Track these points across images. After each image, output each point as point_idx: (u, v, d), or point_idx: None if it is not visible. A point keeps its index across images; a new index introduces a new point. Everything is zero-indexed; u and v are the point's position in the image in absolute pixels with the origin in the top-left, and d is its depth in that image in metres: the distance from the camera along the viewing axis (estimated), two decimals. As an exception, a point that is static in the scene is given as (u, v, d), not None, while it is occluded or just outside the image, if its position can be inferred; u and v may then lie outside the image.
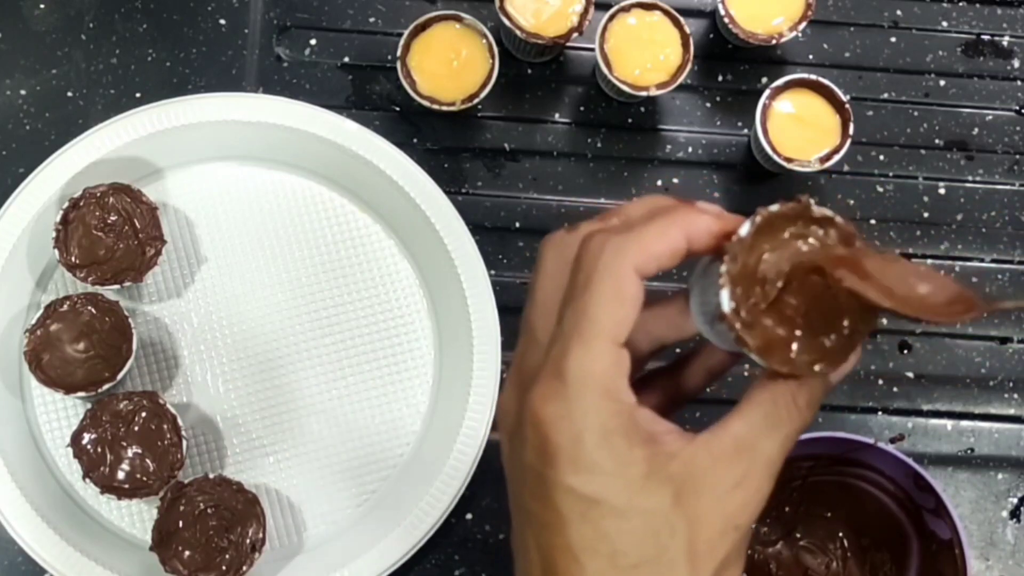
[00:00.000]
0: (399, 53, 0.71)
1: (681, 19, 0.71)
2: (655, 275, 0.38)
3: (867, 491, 0.66)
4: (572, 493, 0.36)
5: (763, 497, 0.38)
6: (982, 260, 0.76)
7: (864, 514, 0.67)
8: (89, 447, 0.65)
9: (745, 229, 0.37)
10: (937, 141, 0.77)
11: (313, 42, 0.76)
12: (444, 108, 0.71)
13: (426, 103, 0.71)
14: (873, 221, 0.76)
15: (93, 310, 0.66)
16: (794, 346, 0.38)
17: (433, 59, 0.71)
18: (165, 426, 0.65)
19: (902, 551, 0.66)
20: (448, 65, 0.71)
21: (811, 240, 0.39)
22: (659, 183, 0.75)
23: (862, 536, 0.68)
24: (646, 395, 0.41)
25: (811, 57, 0.77)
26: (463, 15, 0.71)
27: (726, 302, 0.37)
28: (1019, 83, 0.78)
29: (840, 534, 0.68)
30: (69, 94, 0.74)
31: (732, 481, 0.37)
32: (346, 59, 0.76)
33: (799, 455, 0.64)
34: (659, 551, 0.36)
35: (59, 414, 0.69)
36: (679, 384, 0.45)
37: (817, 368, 0.38)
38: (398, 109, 0.75)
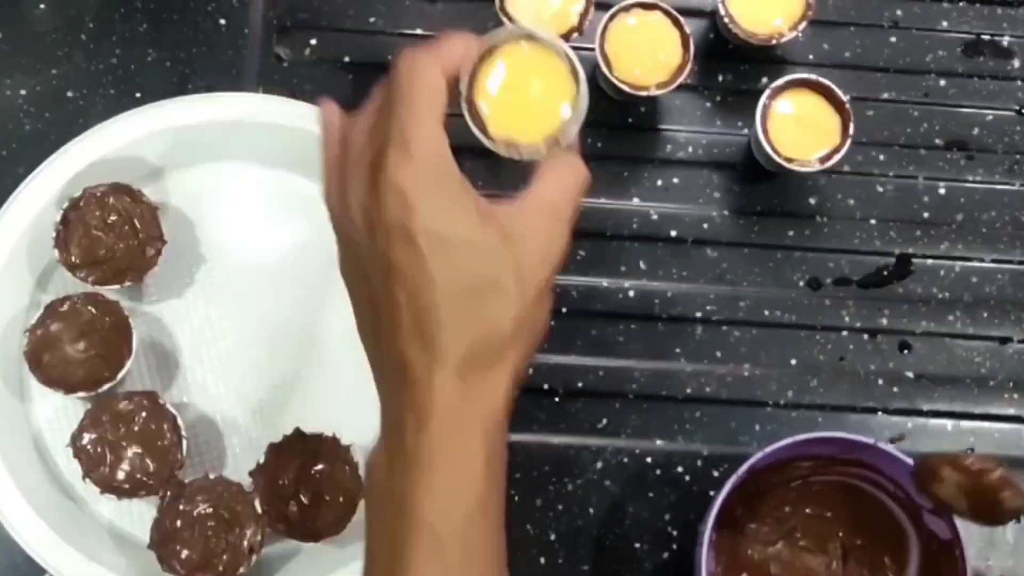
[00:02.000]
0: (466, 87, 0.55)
1: (681, 19, 0.71)
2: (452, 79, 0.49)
3: (867, 491, 0.66)
4: (430, 233, 0.46)
5: (566, 244, 0.49)
6: (982, 260, 0.76)
7: (864, 514, 0.67)
8: (89, 447, 0.65)
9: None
10: (937, 141, 0.77)
11: (313, 42, 0.76)
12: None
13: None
14: (873, 221, 0.76)
15: (93, 310, 0.66)
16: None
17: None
18: (165, 426, 0.65)
19: (902, 551, 0.66)
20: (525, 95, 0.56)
21: None
22: (659, 183, 0.75)
23: (862, 536, 0.68)
24: None
25: (811, 57, 0.77)
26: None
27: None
28: (1019, 83, 0.78)
29: (840, 534, 0.68)
30: (69, 94, 0.74)
31: (541, 228, 0.49)
32: (346, 59, 0.76)
33: (799, 455, 0.64)
34: (495, 273, 0.47)
35: (59, 414, 0.69)
36: None
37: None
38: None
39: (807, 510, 0.68)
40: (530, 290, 0.48)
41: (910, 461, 0.61)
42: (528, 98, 0.51)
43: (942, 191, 0.76)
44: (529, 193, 0.50)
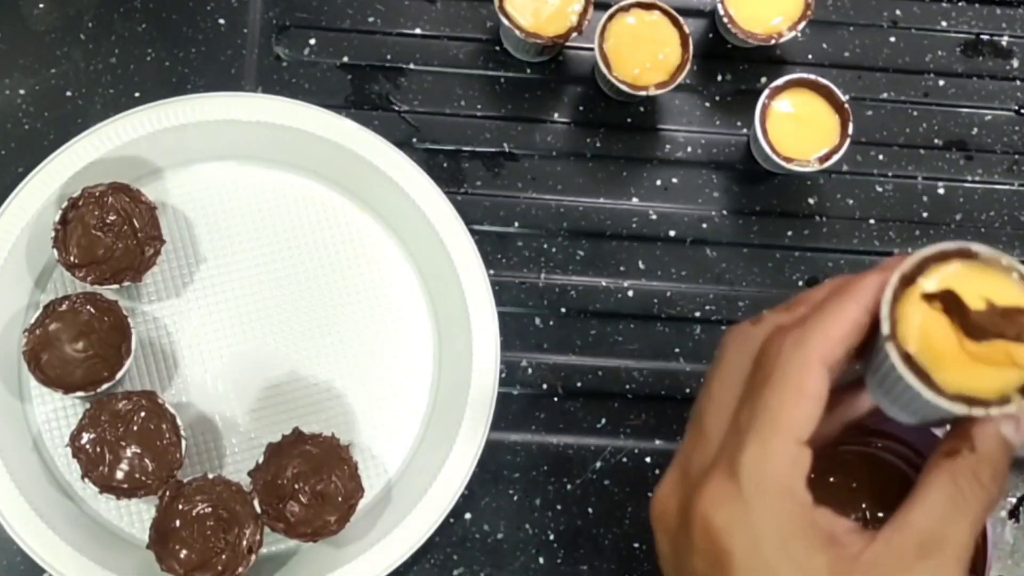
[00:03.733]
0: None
1: (680, 19, 0.71)
2: (847, 358, 0.37)
3: (894, 464, 0.65)
4: None
5: None
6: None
7: (889, 487, 0.66)
8: (88, 447, 0.65)
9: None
10: (936, 141, 0.77)
11: (312, 42, 0.76)
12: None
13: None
14: (872, 221, 0.76)
15: (92, 310, 0.66)
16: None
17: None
18: (164, 426, 0.65)
19: None
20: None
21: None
22: (658, 183, 0.75)
23: (885, 509, 0.67)
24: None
25: (810, 57, 0.77)
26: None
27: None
28: (1018, 83, 0.78)
29: (863, 505, 0.67)
30: (68, 93, 0.74)
31: None
32: (345, 59, 0.76)
33: None
34: None
35: (58, 414, 0.69)
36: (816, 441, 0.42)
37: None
38: (397, 109, 0.75)
39: (831, 479, 0.67)
40: None
41: (940, 434, 0.60)
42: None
43: (941, 191, 0.76)
44: (905, 520, 0.36)
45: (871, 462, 0.66)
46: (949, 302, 0.36)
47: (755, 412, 0.36)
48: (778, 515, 0.35)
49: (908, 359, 0.36)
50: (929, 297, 0.36)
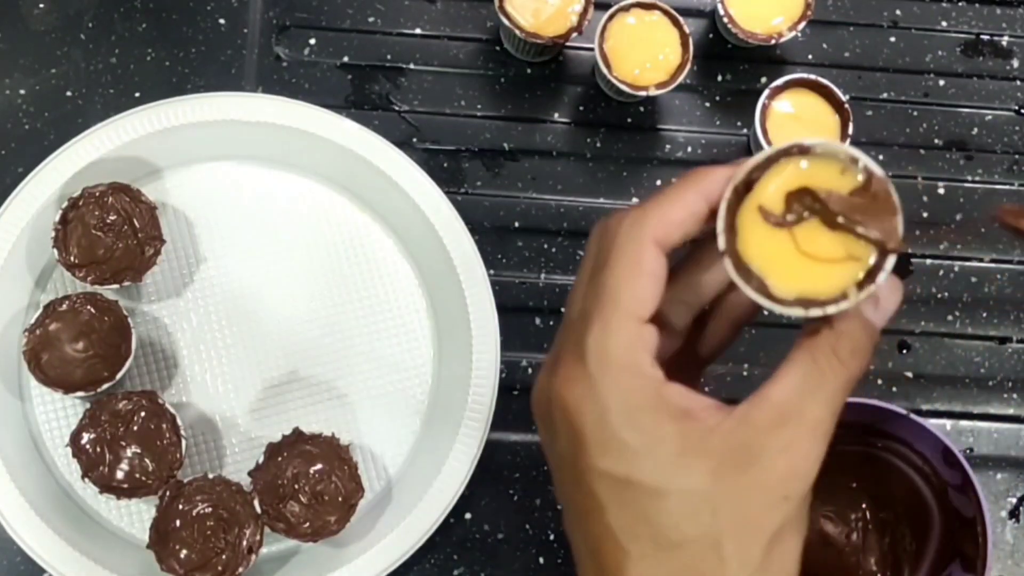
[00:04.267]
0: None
1: (680, 19, 0.71)
2: (681, 243, 0.37)
3: (894, 464, 0.66)
4: (605, 477, 0.35)
5: (814, 461, 0.35)
6: (981, 260, 0.76)
7: (889, 487, 0.66)
8: (88, 447, 0.65)
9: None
10: (936, 141, 0.77)
11: (312, 42, 0.76)
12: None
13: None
14: (872, 221, 0.76)
15: (92, 310, 0.66)
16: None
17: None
18: (164, 426, 0.65)
19: (924, 527, 0.65)
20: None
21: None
22: (658, 183, 0.75)
23: (885, 509, 0.67)
24: (676, 367, 0.39)
25: (810, 57, 0.77)
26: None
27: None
28: (1018, 83, 0.78)
29: (863, 505, 0.67)
30: (68, 93, 0.74)
31: (776, 449, 0.35)
32: (345, 59, 0.76)
33: None
34: (702, 529, 0.34)
35: (58, 414, 0.69)
36: (702, 344, 0.43)
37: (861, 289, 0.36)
38: (397, 109, 0.75)
39: (832, 478, 0.67)
40: (755, 549, 0.35)
41: (942, 436, 0.60)
42: (820, 235, 0.37)
43: (941, 191, 0.76)
44: (763, 395, 0.36)
45: (871, 462, 0.66)
46: (800, 198, 0.37)
47: (596, 293, 0.37)
48: (623, 389, 0.35)
49: (744, 270, 0.36)
50: (766, 210, 0.37)
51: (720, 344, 0.43)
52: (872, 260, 0.36)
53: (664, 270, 0.37)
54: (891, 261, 0.36)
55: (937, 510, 0.65)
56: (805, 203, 0.37)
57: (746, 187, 0.37)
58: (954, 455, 0.60)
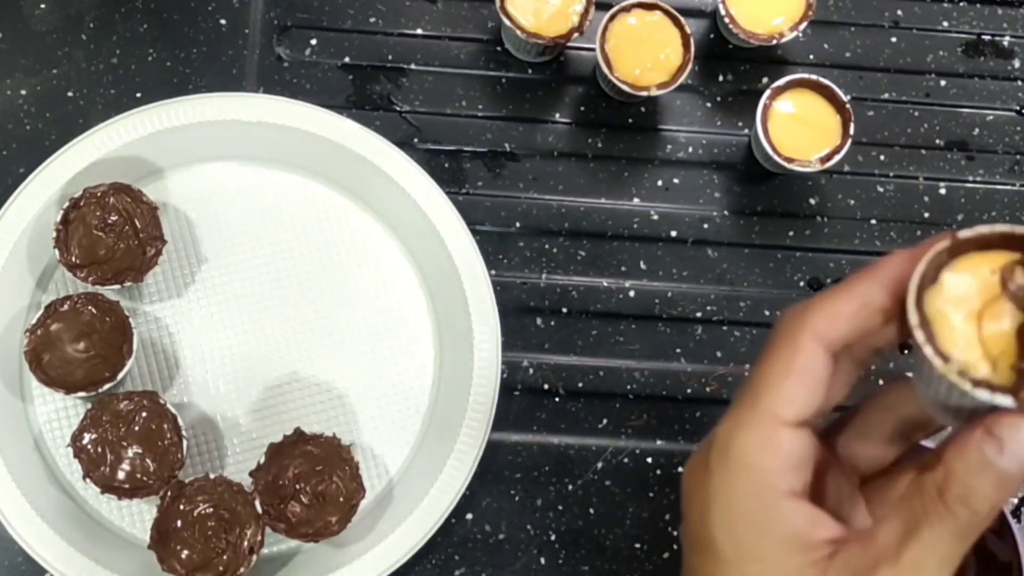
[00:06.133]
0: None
1: (682, 19, 0.71)
2: (852, 340, 0.33)
3: None
4: (692, 570, 0.34)
5: None
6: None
7: None
8: (89, 447, 0.65)
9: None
10: (938, 141, 0.77)
11: (313, 42, 0.76)
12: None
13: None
14: (873, 221, 0.76)
15: (93, 310, 0.66)
16: None
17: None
18: (165, 426, 0.65)
19: (958, 570, 0.65)
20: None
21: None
22: (659, 183, 0.75)
23: None
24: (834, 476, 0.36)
25: (812, 57, 0.77)
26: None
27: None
28: (1020, 83, 0.78)
29: None
30: (69, 94, 0.74)
31: None
32: (346, 59, 0.76)
33: None
34: None
35: (59, 414, 0.69)
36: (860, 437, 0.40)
37: None
38: (398, 109, 0.75)
39: None
40: None
41: None
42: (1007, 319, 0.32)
43: (943, 191, 0.76)
44: (869, 533, 0.33)
45: None
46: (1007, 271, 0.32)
47: (747, 390, 0.34)
48: (733, 491, 0.33)
49: (928, 333, 0.32)
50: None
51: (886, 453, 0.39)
52: None
53: (825, 370, 0.34)
54: None
55: (972, 553, 0.63)
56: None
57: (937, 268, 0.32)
58: None
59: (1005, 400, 0.31)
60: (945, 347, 0.32)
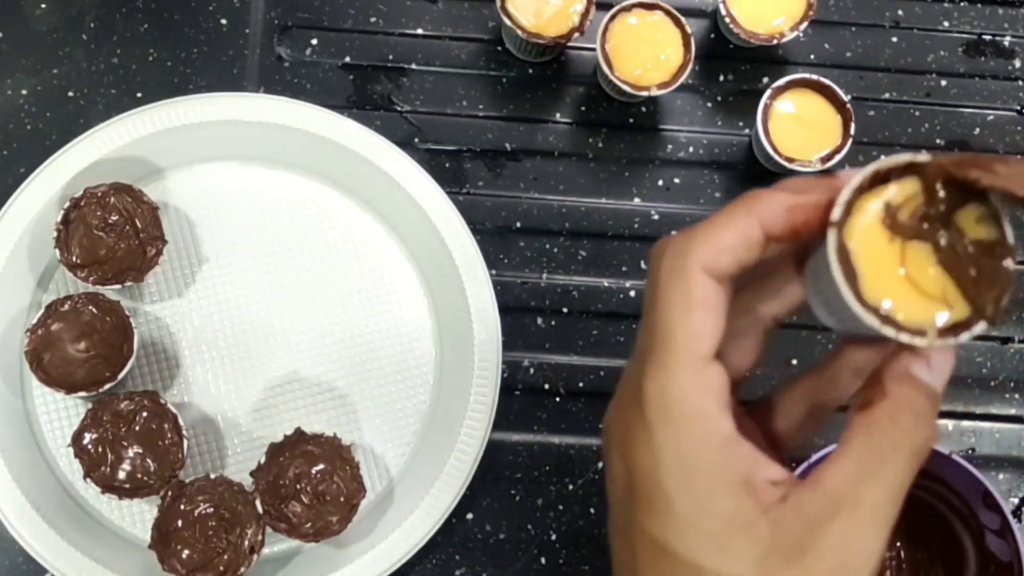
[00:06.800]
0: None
1: (682, 19, 0.71)
2: (736, 271, 0.34)
3: (931, 504, 0.65)
4: (645, 536, 0.32)
5: (870, 553, 0.32)
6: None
7: (925, 527, 0.66)
8: (90, 447, 0.65)
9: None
10: (938, 141, 0.77)
11: (314, 42, 0.76)
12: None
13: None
14: (874, 221, 0.76)
15: (94, 310, 0.66)
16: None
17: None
18: (166, 426, 0.65)
19: (958, 569, 0.65)
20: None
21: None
22: (660, 183, 0.75)
23: (919, 549, 0.66)
24: (767, 419, 0.36)
25: (812, 57, 0.77)
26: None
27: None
28: (1020, 83, 0.78)
29: (897, 543, 0.67)
30: (70, 94, 0.74)
31: (828, 543, 0.31)
32: (347, 59, 0.76)
33: None
34: None
35: (60, 414, 0.69)
36: (822, 392, 0.39)
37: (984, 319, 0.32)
38: (399, 109, 0.75)
39: None
40: None
41: (983, 479, 0.59)
42: (926, 264, 0.34)
43: (943, 191, 0.76)
44: (817, 479, 0.32)
45: (907, 500, 0.65)
46: (936, 218, 0.33)
47: (650, 330, 0.33)
48: (682, 443, 0.32)
49: (844, 253, 0.33)
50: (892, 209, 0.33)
51: (842, 396, 0.39)
52: (963, 316, 0.33)
53: (722, 300, 0.33)
54: (980, 327, 0.33)
55: (973, 553, 0.64)
56: (936, 224, 0.33)
57: (881, 180, 0.34)
58: (994, 498, 0.59)
59: (916, 340, 0.33)
60: (865, 292, 0.33)
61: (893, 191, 0.34)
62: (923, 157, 0.34)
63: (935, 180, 0.33)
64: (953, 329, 0.33)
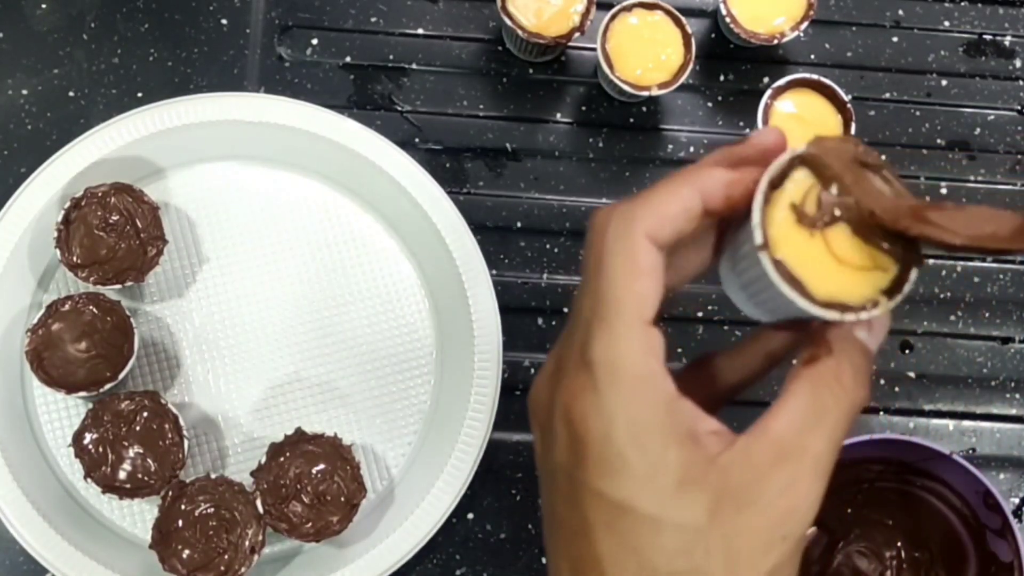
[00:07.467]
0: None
1: (683, 19, 0.71)
2: (674, 241, 0.35)
3: (932, 504, 0.65)
4: (600, 498, 0.33)
5: (814, 499, 0.33)
6: (983, 260, 0.75)
7: (925, 527, 0.66)
8: (90, 447, 0.65)
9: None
10: (939, 141, 0.77)
11: (315, 42, 0.76)
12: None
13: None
14: (875, 221, 0.76)
15: (95, 310, 0.66)
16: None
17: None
18: (166, 426, 0.65)
19: (959, 569, 0.65)
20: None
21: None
22: (661, 183, 0.75)
23: (920, 549, 0.66)
24: (694, 385, 0.37)
25: (813, 57, 0.77)
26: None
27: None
28: (1021, 83, 0.78)
29: (899, 543, 0.67)
30: (71, 94, 0.74)
31: (776, 489, 0.33)
32: (348, 59, 0.76)
33: (870, 456, 0.63)
34: (692, 566, 0.32)
35: (60, 414, 0.69)
36: (734, 371, 0.41)
37: (878, 305, 0.35)
38: (400, 109, 0.75)
39: (869, 514, 0.67)
40: None
41: (983, 479, 0.59)
42: (848, 241, 0.36)
43: (944, 191, 0.76)
44: (763, 427, 0.34)
45: (908, 500, 0.65)
46: (836, 201, 0.35)
47: (594, 297, 0.34)
48: (633, 404, 0.33)
49: (781, 268, 0.34)
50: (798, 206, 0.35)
51: (749, 377, 0.41)
52: (896, 271, 0.36)
53: (661, 267, 0.35)
54: (915, 274, 0.35)
55: (974, 554, 0.64)
56: (839, 204, 0.35)
57: (776, 184, 0.35)
58: (995, 498, 0.60)
59: (875, 312, 0.35)
60: (815, 293, 0.35)
61: (791, 190, 0.35)
62: (801, 148, 0.36)
63: (819, 164, 0.35)
64: (897, 286, 0.35)
